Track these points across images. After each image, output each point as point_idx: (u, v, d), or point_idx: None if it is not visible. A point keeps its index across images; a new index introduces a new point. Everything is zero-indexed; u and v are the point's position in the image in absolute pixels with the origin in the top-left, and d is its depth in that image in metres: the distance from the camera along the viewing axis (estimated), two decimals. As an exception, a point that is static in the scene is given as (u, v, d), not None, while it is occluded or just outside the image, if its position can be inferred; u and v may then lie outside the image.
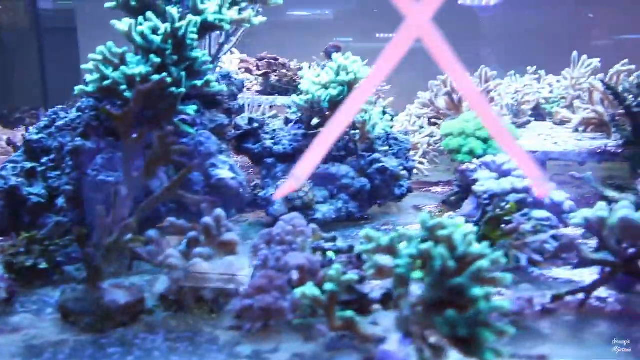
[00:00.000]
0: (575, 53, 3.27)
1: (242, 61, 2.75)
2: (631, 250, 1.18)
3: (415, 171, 2.62)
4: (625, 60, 2.48)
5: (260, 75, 2.62)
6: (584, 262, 1.20)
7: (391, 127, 2.19)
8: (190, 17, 1.37)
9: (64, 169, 1.47)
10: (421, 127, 2.85)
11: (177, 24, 1.36)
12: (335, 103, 1.79)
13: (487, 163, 1.81)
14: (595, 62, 3.15)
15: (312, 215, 1.76)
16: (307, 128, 1.93)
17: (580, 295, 1.21)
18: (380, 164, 1.91)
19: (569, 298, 1.21)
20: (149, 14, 1.36)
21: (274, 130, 1.97)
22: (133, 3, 1.46)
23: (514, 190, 1.68)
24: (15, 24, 3.99)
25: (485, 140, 1.97)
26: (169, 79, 1.34)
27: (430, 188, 2.63)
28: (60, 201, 1.44)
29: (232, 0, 1.62)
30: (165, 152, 1.06)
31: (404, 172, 2.06)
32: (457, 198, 2.06)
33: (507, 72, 3.70)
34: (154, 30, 1.37)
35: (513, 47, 4.60)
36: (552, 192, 0.74)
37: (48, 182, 1.51)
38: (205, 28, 1.55)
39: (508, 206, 1.43)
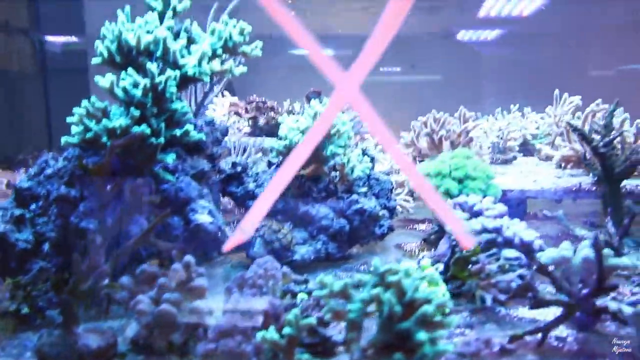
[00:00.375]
0: (557, 91, 3.37)
1: (232, 104, 2.86)
2: (585, 291, 1.23)
3: (400, 209, 2.69)
4: (599, 100, 2.57)
5: (249, 119, 2.72)
6: (538, 303, 1.24)
7: (370, 168, 2.26)
8: (169, 72, 1.46)
9: (50, 216, 1.54)
10: (408, 165, 2.92)
11: (157, 79, 1.45)
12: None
13: (460, 203, 1.87)
14: (577, 99, 3.25)
15: (291, 257, 1.82)
16: (288, 171, 2.00)
17: (539, 335, 1.25)
18: (359, 205, 1.97)
19: (529, 338, 1.25)
20: (130, 70, 1.45)
21: (257, 174, 2.04)
22: (117, 59, 1.56)
23: (485, 230, 1.74)
24: (22, 66, 4.12)
25: (460, 181, 2.04)
26: (148, 131, 1.42)
27: (416, 226, 2.68)
28: (46, 247, 1.51)
29: (213, 54, 1.71)
30: (137, 203, 1.13)
31: (384, 212, 2.12)
32: (436, 237, 2.12)
33: (510, 105, 3.83)
34: (135, 85, 1.46)
35: (515, 81, 4.71)
36: (475, 243, 0.80)
37: (36, 229, 1.58)
38: (186, 80, 1.64)
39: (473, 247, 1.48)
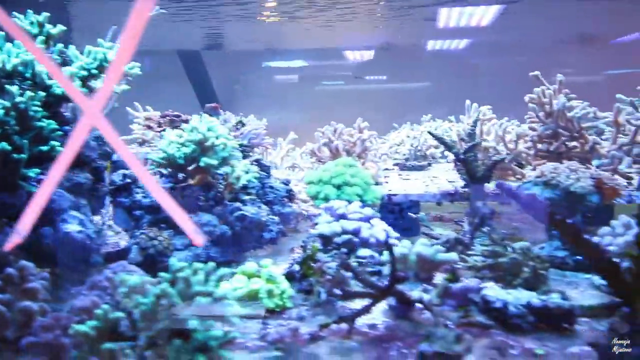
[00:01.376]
0: (468, 101, 3.57)
1: (146, 118, 2.98)
2: (383, 283, 1.38)
3: (306, 214, 2.85)
4: (490, 112, 2.77)
5: (158, 132, 2.83)
6: (347, 295, 1.39)
7: (266, 177, 2.41)
8: (28, 93, 1.58)
9: None
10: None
11: (17, 99, 1.57)
12: (191, 159, 2.01)
13: (328, 208, 2.02)
14: (485, 109, 3.45)
15: (167, 261, 1.93)
16: (175, 182, 2.13)
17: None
18: (240, 212, 2.10)
19: (343, 325, 1.39)
20: (-12, 93, 1.57)
21: (147, 184, 2.17)
22: (-12, 81, 1.68)
23: (344, 232, 1.89)
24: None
25: (338, 187, 2.19)
26: (8, 147, 1.54)
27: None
28: None
29: (89, 74, 1.84)
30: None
31: (273, 218, 2.26)
32: (321, 240, 2.26)
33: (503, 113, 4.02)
34: (-2, 105, 1.57)
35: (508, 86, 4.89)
36: (202, 241, 0.93)
37: None
38: (59, 99, 1.77)
39: (312, 247, 1.63)
